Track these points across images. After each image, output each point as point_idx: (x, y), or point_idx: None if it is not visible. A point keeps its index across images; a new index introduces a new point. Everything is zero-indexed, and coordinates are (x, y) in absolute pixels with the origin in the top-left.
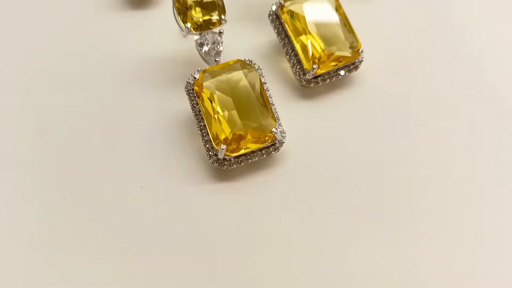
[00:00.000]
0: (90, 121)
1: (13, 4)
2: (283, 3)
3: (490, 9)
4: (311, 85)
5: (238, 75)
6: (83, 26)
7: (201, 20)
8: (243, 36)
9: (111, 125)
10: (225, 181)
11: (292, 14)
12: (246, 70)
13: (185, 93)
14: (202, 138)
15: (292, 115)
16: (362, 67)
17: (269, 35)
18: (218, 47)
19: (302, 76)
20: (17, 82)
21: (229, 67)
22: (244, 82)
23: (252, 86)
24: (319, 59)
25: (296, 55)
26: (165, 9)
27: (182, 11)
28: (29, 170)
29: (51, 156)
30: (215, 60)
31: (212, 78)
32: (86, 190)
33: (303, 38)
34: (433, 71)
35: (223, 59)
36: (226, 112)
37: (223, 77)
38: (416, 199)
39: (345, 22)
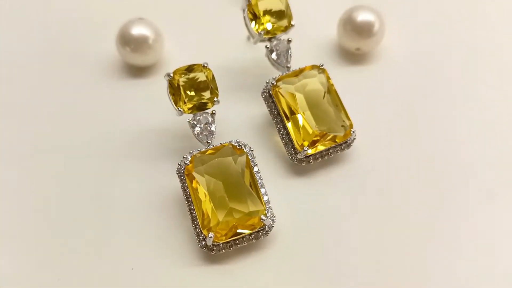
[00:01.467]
0: (84, 197)
1: (11, 73)
2: (275, 83)
3: (486, 78)
4: (303, 164)
5: (228, 160)
6: (82, 95)
7: (195, 101)
8: (237, 107)
9: (105, 202)
10: (215, 263)
11: (284, 93)
12: (236, 155)
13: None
14: (192, 222)
15: (284, 192)
16: (354, 143)
17: (263, 107)
18: (210, 127)
19: (294, 155)
20: (14, 154)
21: (220, 152)
22: (233, 167)
23: (242, 171)
24: (311, 139)
25: (288, 134)
26: (164, 78)
27: (175, 93)
28: (24, 249)
29: (46, 234)
30: (207, 142)
31: (203, 162)
32: (80, 271)
33: (295, 117)
34: (425, 145)
35: (216, 135)
36: (215, 198)
37: (214, 161)
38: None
39: (337, 102)
